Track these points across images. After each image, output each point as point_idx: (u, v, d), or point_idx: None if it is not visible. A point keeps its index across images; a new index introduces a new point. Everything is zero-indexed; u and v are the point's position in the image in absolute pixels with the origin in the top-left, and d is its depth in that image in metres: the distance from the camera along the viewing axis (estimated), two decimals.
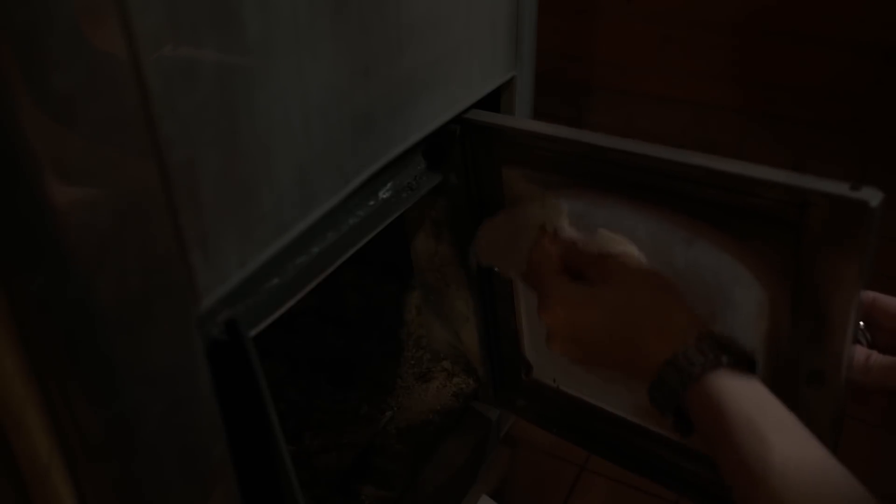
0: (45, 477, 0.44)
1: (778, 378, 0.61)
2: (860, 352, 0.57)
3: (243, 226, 0.49)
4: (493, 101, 0.77)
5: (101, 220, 0.39)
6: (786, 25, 1.39)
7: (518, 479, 1.15)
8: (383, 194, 0.66)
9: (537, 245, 0.61)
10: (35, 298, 0.38)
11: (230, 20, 0.44)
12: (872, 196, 0.50)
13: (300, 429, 0.85)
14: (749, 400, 0.49)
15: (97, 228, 0.39)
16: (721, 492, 0.71)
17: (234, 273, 0.49)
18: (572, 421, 0.81)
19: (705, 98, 1.53)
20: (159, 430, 0.46)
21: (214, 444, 0.51)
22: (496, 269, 0.67)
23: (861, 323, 0.57)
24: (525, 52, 0.79)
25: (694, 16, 1.47)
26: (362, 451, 0.84)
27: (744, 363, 0.52)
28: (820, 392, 0.58)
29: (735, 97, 1.50)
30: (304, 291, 0.56)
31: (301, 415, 0.88)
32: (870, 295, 0.57)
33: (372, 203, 0.65)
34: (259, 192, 0.49)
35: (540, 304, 0.59)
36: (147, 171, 0.41)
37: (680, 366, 0.50)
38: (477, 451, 0.90)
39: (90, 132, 0.37)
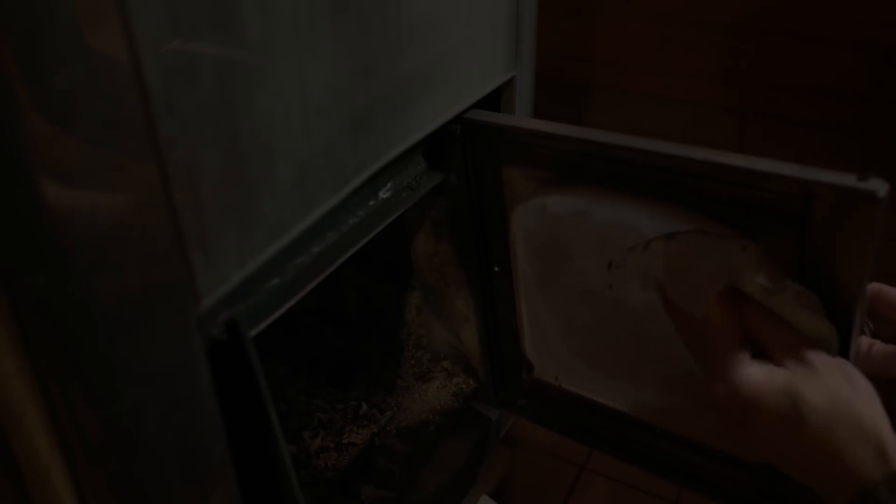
0: (45, 477, 0.44)
1: None
2: (863, 342, 0.57)
3: (243, 226, 0.49)
4: (493, 100, 0.77)
5: (101, 220, 0.39)
6: (786, 25, 1.39)
7: (518, 479, 1.15)
8: (383, 194, 0.66)
9: (720, 300, 0.55)
10: (35, 298, 0.38)
11: (230, 20, 0.44)
12: (879, 186, 0.50)
13: (300, 429, 0.85)
14: None
15: (97, 228, 0.39)
16: (722, 483, 0.71)
17: (234, 273, 0.49)
18: (574, 418, 0.81)
19: (705, 98, 1.53)
20: (159, 430, 0.46)
21: (214, 444, 0.51)
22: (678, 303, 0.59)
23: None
24: (525, 52, 0.79)
25: (694, 16, 1.47)
26: (362, 451, 0.84)
27: None
28: None
29: (735, 97, 1.50)
30: (304, 291, 0.56)
31: (301, 415, 0.88)
32: (874, 286, 0.57)
33: (372, 203, 0.65)
34: (259, 192, 0.49)
35: (711, 374, 0.53)
36: (147, 171, 0.41)
37: (880, 497, 0.46)
38: (477, 451, 0.90)
39: (90, 132, 0.37)
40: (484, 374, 0.90)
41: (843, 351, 0.55)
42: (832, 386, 0.50)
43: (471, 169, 0.73)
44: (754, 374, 0.51)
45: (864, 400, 0.49)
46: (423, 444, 0.86)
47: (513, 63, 0.77)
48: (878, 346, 0.57)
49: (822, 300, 0.55)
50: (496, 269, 0.79)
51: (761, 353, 0.54)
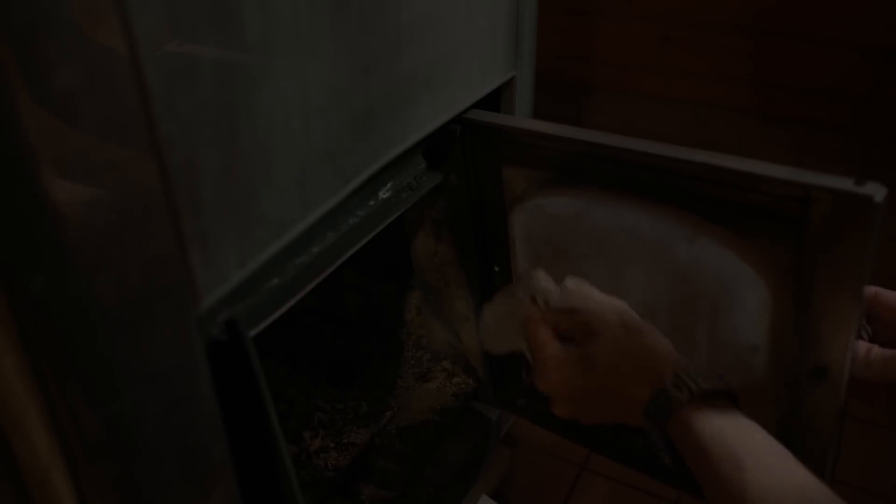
0: (45, 477, 0.44)
1: (781, 374, 0.61)
2: (861, 346, 0.57)
3: (243, 226, 0.49)
4: (493, 100, 0.77)
5: (101, 220, 0.39)
6: (786, 25, 1.39)
7: (518, 479, 1.15)
8: (383, 194, 0.66)
9: (528, 317, 0.63)
10: (35, 298, 0.38)
11: (230, 20, 0.44)
12: (877, 191, 0.50)
13: (300, 429, 0.85)
14: (725, 426, 0.51)
15: (97, 228, 0.39)
16: None
17: (234, 273, 0.49)
18: (573, 420, 0.80)
19: (705, 98, 1.53)
20: (159, 430, 0.46)
21: (214, 444, 0.51)
22: (497, 350, 0.69)
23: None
24: (525, 52, 0.79)
25: (694, 16, 1.47)
26: (362, 451, 0.84)
27: (722, 393, 0.53)
28: (823, 387, 0.58)
29: (735, 97, 1.50)
30: (304, 291, 0.56)
31: (301, 415, 0.88)
32: (872, 289, 0.58)
33: (372, 203, 0.65)
34: (259, 192, 0.49)
35: (535, 372, 0.60)
36: (147, 170, 0.41)
37: (660, 403, 0.53)
38: (477, 451, 0.90)
39: (90, 132, 0.37)
40: (484, 374, 0.90)
41: (841, 355, 0.55)
42: (612, 339, 0.57)
43: (471, 169, 0.73)
44: (554, 355, 0.59)
45: (641, 340, 0.56)
46: (423, 444, 0.86)
47: (513, 63, 0.77)
48: (877, 350, 0.57)
49: (821, 302, 0.55)
50: (496, 269, 0.79)
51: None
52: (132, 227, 0.41)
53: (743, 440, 0.50)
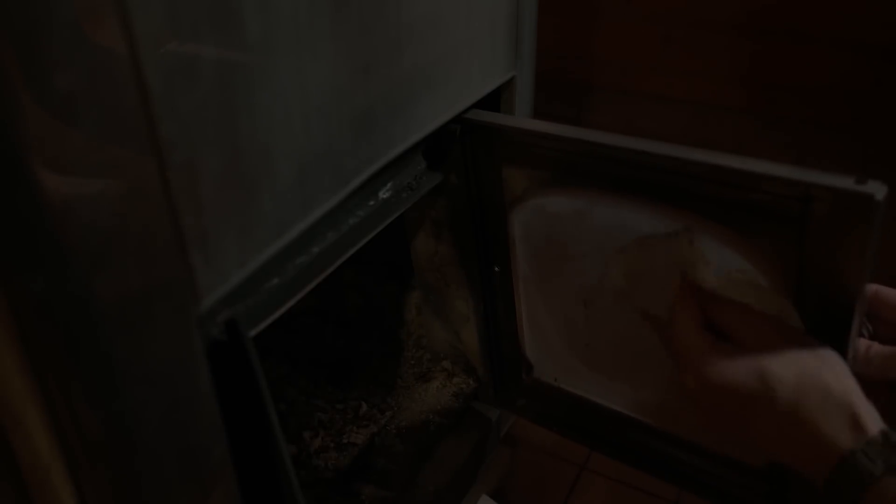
0: (45, 477, 0.44)
1: None
2: (861, 343, 0.57)
3: (243, 226, 0.49)
4: (493, 100, 0.77)
5: (101, 220, 0.39)
6: (786, 25, 1.39)
7: (518, 479, 1.15)
8: (383, 194, 0.66)
9: (679, 297, 0.56)
10: (35, 298, 0.38)
11: (230, 19, 0.44)
12: (878, 189, 0.50)
13: (300, 429, 0.85)
14: None
15: (97, 228, 0.39)
16: (721, 485, 0.71)
17: (234, 273, 0.49)
18: (574, 419, 0.81)
19: (705, 98, 1.53)
20: (159, 430, 0.46)
21: (214, 444, 0.51)
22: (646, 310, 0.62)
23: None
24: (525, 52, 0.79)
25: (694, 16, 1.47)
26: (362, 451, 0.84)
27: None
28: None
29: (735, 97, 1.50)
30: (304, 291, 0.56)
31: (301, 415, 0.88)
32: (872, 287, 0.57)
33: (372, 203, 0.65)
34: (259, 192, 0.49)
35: (683, 366, 0.54)
36: (147, 170, 0.41)
37: (860, 464, 0.46)
38: (477, 451, 0.90)
39: (90, 132, 0.37)
40: (484, 374, 0.90)
41: (842, 350, 0.55)
42: (797, 358, 0.50)
43: (471, 169, 0.73)
44: (719, 359, 0.52)
45: (831, 369, 0.49)
46: (423, 444, 0.86)
47: (513, 63, 0.77)
48: (877, 347, 0.57)
49: (822, 301, 0.55)
50: (496, 269, 0.79)
51: (726, 339, 0.55)
52: (132, 226, 0.41)
53: None
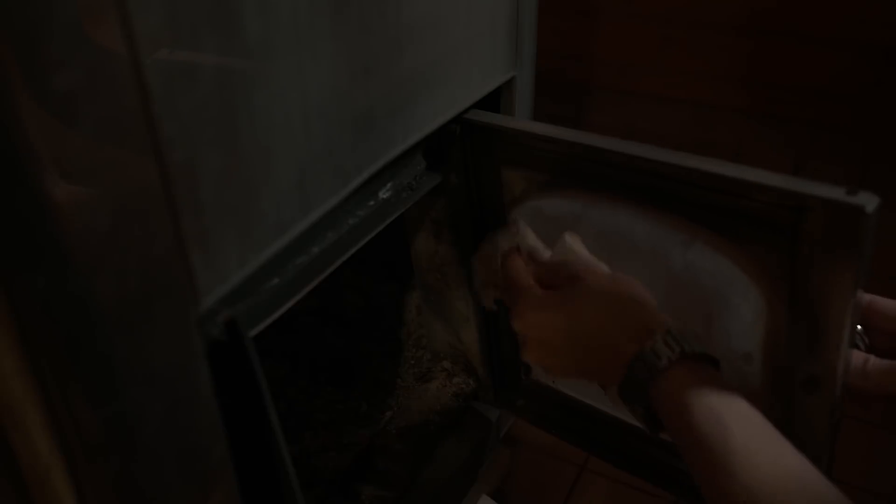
0: (45, 477, 0.44)
1: (774, 383, 0.61)
2: (857, 356, 0.56)
3: (243, 226, 0.49)
4: (493, 101, 0.77)
5: (101, 220, 0.39)
6: (786, 25, 1.39)
7: (518, 479, 1.15)
8: (383, 194, 0.66)
9: (508, 261, 0.63)
10: (35, 298, 0.38)
11: (230, 20, 0.44)
12: (868, 201, 0.50)
13: (300, 429, 0.85)
14: (711, 391, 0.50)
15: (97, 228, 0.39)
16: None
17: (234, 273, 0.49)
18: (571, 421, 0.81)
19: (705, 98, 1.53)
20: (159, 430, 0.46)
21: (214, 444, 0.51)
22: (485, 301, 0.70)
23: (859, 326, 0.57)
24: (525, 53, 0.79)
25: (694, 16, 1.47)
26: (362, 451, 0.84)
27: (707, 360, 0.53)
28: (816, 397, 0.58)
29: (735, 97, 1.50)
30: (304, 291, 0.56)
31: (301, 415, 0.88)
32: (867, 297, 0.57)
33: (372, 203, 0.65)
34: (259, 192, 0.49)
35: (511, 314, 0.60)
36: (147, 171, 0.41)
37: (647, 359, 0.52)
38: (477, 451, 0.90)
39: (90, 132, 0.37)
40: (484, 374, 0.90)
41: (832, 363, 0.55)
42: (598, 288, 0.56)
43: (470, 169, 0.73)
44: (535, 298, 0.58)
45: (629, 289, 0.56)
46: (423, 444, 0.86)
47: (513, 63, 0.77)
48: (874, 361, 0.56)
49: (814, 311, 0.55)
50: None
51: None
52: (132, 227, 0.41)
53: (729, 405, 0.49)
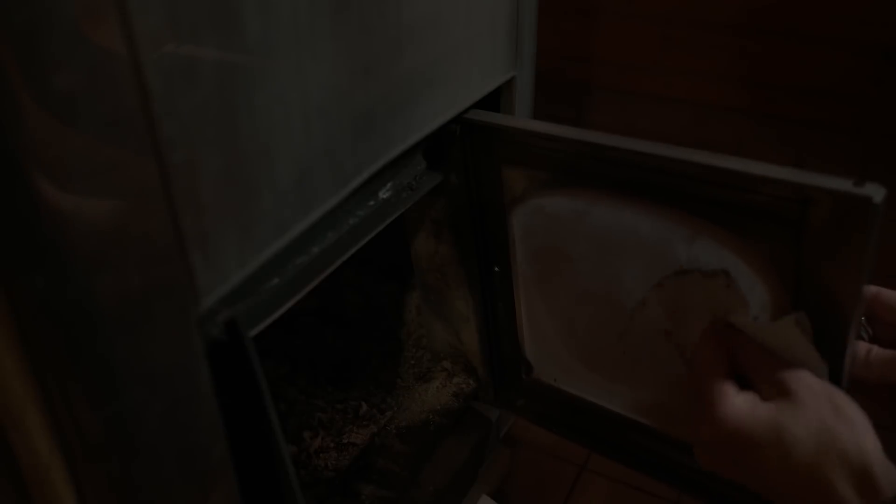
0: (45, 477, 0.44)
1: None
2: (861, 347, 0.57)
3: (243, 226, 0.49)
4: (493, 101, 0.77)
5: (101, 220, 0.39)
6: (786, 25, 1.39)
7: (518, 479, 1.15)
8: (383, 194, 0.66)
9: (709, 336, 0.55)
10: (35, 298, 0.38)
11: (230, 20, 0.44)
12: (876, 192, 0.50)
13: (300, 429, 0.85)
14: None
15: (97, 228, 0.39)
16: (720, 488, 0.71)
17: (234, 273, 0.49)
18: (573, 420, 0.81)
19: (705, 98, 1.53)
20: (159, 430, 0.46)
21: (214, 444, 0.51)
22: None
23: (863, 318, 0.57)
24: (525, 53, 0.79)
25: (694, 16, 1.47)
26: (362, 451, 0.84)
27: None
28: None
29: (735, 97, 1.50)
30: (304, 291, 0.56)
31: (301, 415, 0.88)
32: (872, 289, 0.57)
33: (372, 203, 0.65)
34: (259, 192, 0.49)
35: (698, 410, 0.52)
36: (147, 171, 0.41)
37: None
38: (477, 451, 0.90)
39: (90, 132, 0.37)
40: (484, 374, 0.90)
41: (839, 358, 0.55)
42: (818, 418, 0.48)
43: (471, 169, 0.74)
44: (738, 407, 0.50)
45: (851, 430, 0.48)
46: (423, 444, 0.86)
47: (513, 63, 0.77)
48: (877, 351, 0.56)
49: (820, 304, 0.55)
50: (496, 269, 0.79)
51: (749, 388, 0.53)
52: (132, 227, 0.41)
53: None
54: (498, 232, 0.76)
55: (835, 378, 0.57)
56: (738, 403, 0.50)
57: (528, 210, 0.71)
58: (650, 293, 0.63)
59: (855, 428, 0.48)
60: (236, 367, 0.50)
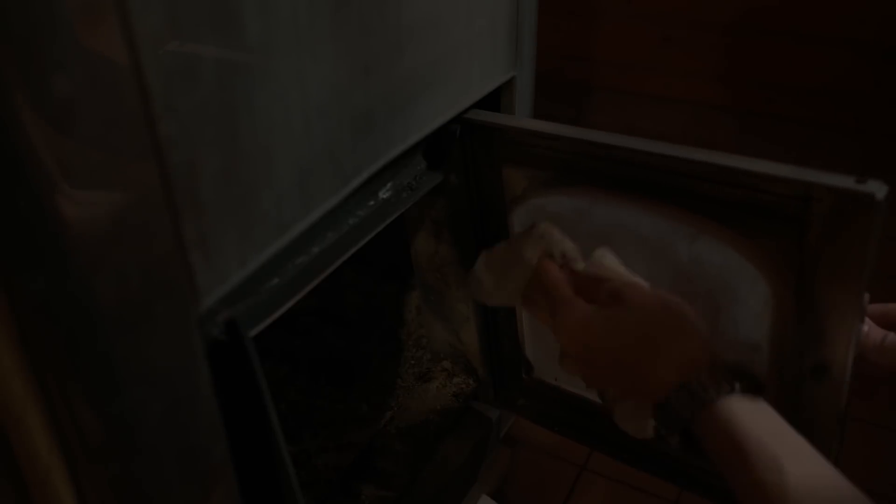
0: (45, 477, 0.44)
1: (783, 372, 0.61)
2: (877, 332, 0.57)
3: (243, 226, 0.49)
4: (493, 100, 0.77)
5: (101, 220, 0.39)
6: (786, 25, 1.39)
7: (518, 479, 1.15)
8: (383, 194, 0.66)
9: (544, 270, 0.61)
10: (35, 298, 0.38)
11: (230, 20, 0.44)
12: (878, 189, 0.50)
13: (300, 429, 0.85)
14: (761, 424, 0.50)
15: (97, 228, 0.39)
16: (721, 485, 0.71)
17: (234, 273, 0.49)
18: (574, 418, 0.81)
19: (705, 98, 1.53)
20: (159, 430, 0.46)
21: (214, 444, 0.51)
22: (491, 303, 0.68)
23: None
24: (525, 52, 0.79)
25: (694, 16, 1.47)
26: (362, 451, 0.84)
27: (753, 389, 0.52)
28: (825, 386, 0.58)
29: (735, 97, 1.50)
30: (304, 291, 0.56)
31: (301, 415, 0.88)
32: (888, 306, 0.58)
33: (372, 203, 0.65)
34: (259, 192, 0.49)
35: (555, 325, 0.59)
36: (147, 171, 0.41)
37: (693, 391, 0.51)
38: (477, 451, 0.90)
39: (91, 132, 0.37)
40: (484, 374, 0.90)
41: (840, 356, 0.55)
42: (645, 313, 0.55)
43: (471, 169, 0.73)
44: (582, 311, 0.57)
45: (675, 316, 0.55)
46: (423, 444, 0.86)
47: (513, 63, 0.77)
48: (892, 337, 0.57)
49: (822, 300, 0.55)
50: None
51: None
52: (132, 227, 0.41)
53: (780, 439, 0.49)
54: (498, 232, 0.76)
55: (838, 371, 0.57)
56: (582, 307, 0.57)
57: (528, 209, 0.71)
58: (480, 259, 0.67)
59: (684, 320, 0.55)
60: (236, 367, 0.50)
